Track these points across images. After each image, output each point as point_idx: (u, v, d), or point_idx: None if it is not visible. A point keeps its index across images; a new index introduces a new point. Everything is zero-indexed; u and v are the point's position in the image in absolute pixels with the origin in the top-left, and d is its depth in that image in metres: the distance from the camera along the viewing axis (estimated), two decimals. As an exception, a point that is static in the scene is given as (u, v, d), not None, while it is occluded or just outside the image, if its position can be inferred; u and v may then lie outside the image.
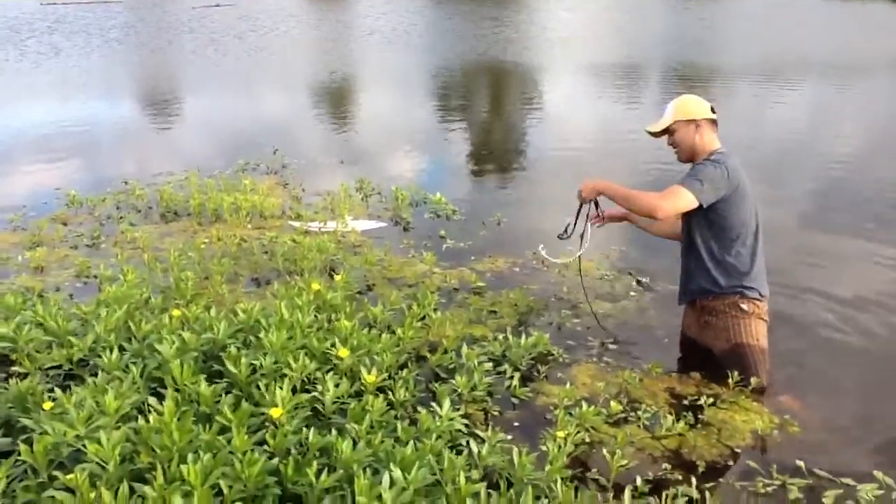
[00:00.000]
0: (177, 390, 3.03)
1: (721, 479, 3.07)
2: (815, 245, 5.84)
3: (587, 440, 3.23)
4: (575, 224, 4.17)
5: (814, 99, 13.79)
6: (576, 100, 13.93)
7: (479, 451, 2.84)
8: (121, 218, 6.40)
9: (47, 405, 2.83)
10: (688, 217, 3.78)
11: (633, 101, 13.42)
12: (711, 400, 3.56)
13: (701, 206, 3.59)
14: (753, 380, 3.62)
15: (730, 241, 3.71)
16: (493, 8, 38.90)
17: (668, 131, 3.85)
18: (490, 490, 2.59)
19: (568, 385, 3.58)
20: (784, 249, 5.49)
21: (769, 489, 3.01)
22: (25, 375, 3.28)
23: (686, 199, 3.58)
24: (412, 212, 6.56)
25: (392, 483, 2.44)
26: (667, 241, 4.31)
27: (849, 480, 3.04)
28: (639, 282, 4.93)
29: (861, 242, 5.88)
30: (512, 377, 3.68)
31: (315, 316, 3.85)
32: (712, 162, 3.64)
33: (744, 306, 3.73)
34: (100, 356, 3.31)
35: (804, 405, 3.60)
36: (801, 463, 3.12)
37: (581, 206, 4.10)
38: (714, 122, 3.80)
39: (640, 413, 3.46)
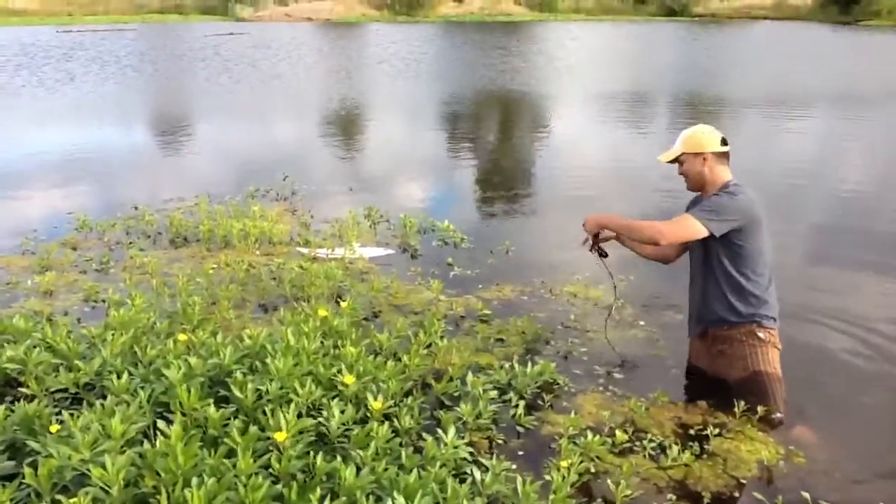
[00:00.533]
0: (183, 415, 3.04)
1: (727, 511, 3.05)
2: (827, 275, 5.83)
3: (592, 470, 3.22)
4: (609, 273, 4.27)
5: (822, 129, 13.80)
6: (584, 128, 14.00)
7: (483, 480, 2.83)
8: (130, 243, 6.44)
9: (54, 428, 2.85)
10: (705, 245, 3.79)
11: (640, 128, 13.48)
12: (717, 430, 3.54)
13: (713, 235, 3.61)
14: (760, 409, 3.61)
15: (748, 269, 3.72)
16: (501, 37, 39.26)
17: (678, 160, 3.89)
18: (493, 519, 2.59)
19: (573, 414, 3.59)
20: (796, 278, 5.51)
21: (775, 521, 2.99)
22: (32, 398, 3.30)
23: (692, 228, 3.60)
24: (420, 239, 6.58)
25: (395, 510, 2.44)
26: (677, 271, 4.31)
27: (856, 514, 3.02)
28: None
29: (872, 273, 5.86)
30: (517, 406, 3.67)
31: (321, 342, 3.86)
32: (727, 193, 3.67)
33: (760, 335, 3.73)
34: (106, 380, 3.32)
35: (817, 436, 3.58)
36: (806, 495, 3.10)
37: (592, 241, 4.13)
38: (724, 154, 3.81)
39: (645, 443, 3.44)
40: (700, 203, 3.79)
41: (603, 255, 4.21)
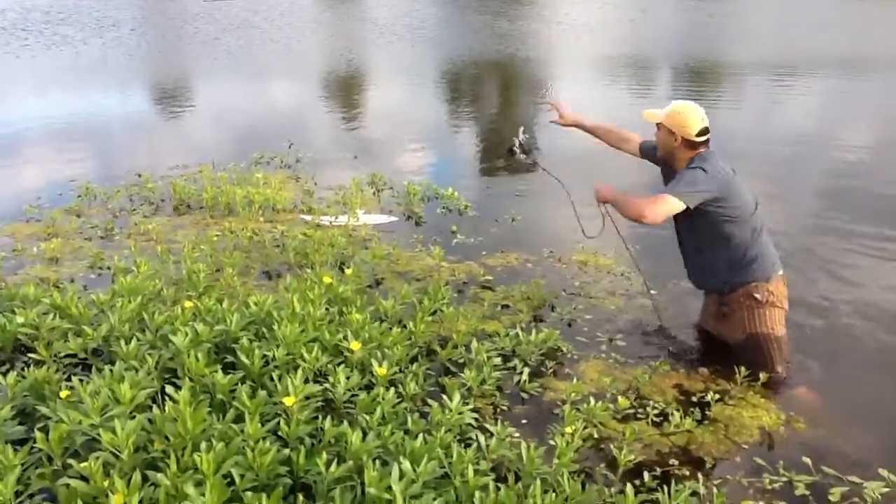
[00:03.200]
0: (191, 380, 3.07)
1: (728, 476, 3.08)
2: (830, 239, 5.81)
3: (595, 435, 3.26)
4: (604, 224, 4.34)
5: (828, 95, 13.71)
6: (588, 94, 13.89)
7: (488, 445, 2.87)
8: (134, 210, 6.45)
9: (64, 394, 2.88)
10: (691, 219, 3.82)
11: (644, 93, 13.38)
12: (719, 396, 3.58)
13: (688, 207, 3.67)
14: (762, 375, 3.65)
15: (734, 235, 3.78)
16: (504, 4, 38.84)
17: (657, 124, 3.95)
18: (498, 483, 2.62)
19: (576, 381, 3.63)
20: (798, 242, 5.54)
21: (776, 486, 3.03)
22: (41, 364, 3.33)
23: (670, 204, 3.67)
24: (424, 207, 6.57)
25: (401, 475, 2.47)
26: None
27: (855, 478, 3.06)
28: (647, 286, 4.88)
29: (875, 238, 5.86)
30: (521, 372, 3.70)
31: (327, 309, 3.89)
32: (699, 168, 3.72)
33: (757, 296, 3.78)
34: (114, 346, 3.35)
35: (819, 398, 3.63)
36: (807, 460, 3.14)
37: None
38: (696, 143, 3.81)
39: (648, 409, 3.48)
40: (675, 177, 3.83)
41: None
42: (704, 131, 3.81)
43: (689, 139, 3.80)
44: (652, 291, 4.51)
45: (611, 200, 3.98)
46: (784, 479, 3.05)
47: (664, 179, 4.08)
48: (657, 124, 3.94)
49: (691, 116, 3.81)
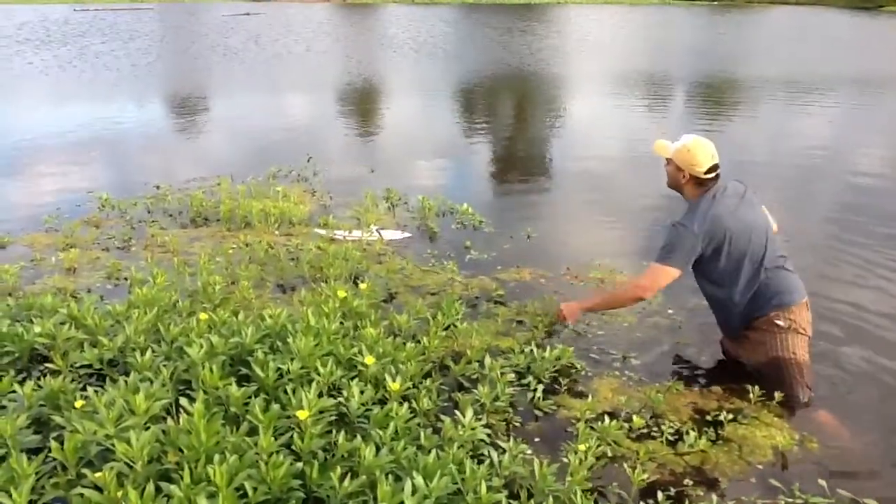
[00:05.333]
0: (205, 392, 3.08)
1: (743, 496, 3.05)
2: (853, 260, 5.77)
3: (609, 454, 3.24)
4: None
5: (841, 112, 13.67)
6: (604, 111, 13.92)
7: (501, 461, 2.86)
8: (152, 221, 6.49)
9: (79, 403, 2.89)
10: (697, 275, 3.90)
11: (659, 112, 13.35)
12: (733, 416, 3.55)
13: (683, 270, 3.77)
14: (777, 394, 3.63)
15: (745, 275, 3.77)
16: (522, 20, 38.99)
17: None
18: (511, 500, 2.61)
19: (590, 398, 3.62)
20: (814, 264, 5.49)
21: (791, 507, 3.00)
22: (57, 374, 3.35)
23: (664, 274, 3.77)
24: (439, 222, 6.57)
25: (414, 490, 2.47)
26: None
27: (872, 501, 3.02)
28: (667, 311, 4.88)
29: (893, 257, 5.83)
30: (535, 389, 3.69)
31: (341, 323, 3.89)
32: (676, 225, 3.77)
33: (780, 322, 3.75)
34: (130, 357, 3.37)
35: (837, 422, 3.58)
36: (823, 482, 3.11)
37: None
38: (704, 181, 3.79)
39: (663, 428, 3.46)
40: (664, 238, 3.86)
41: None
42: (713, 168, 3.77)
43: (696, 176, 3.78)
44: (669, 310, 4.50)
45: (589, 311, 4.11)
46: (800, 500, 3.02)
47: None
48: (666, 159, 3.92)
49: (700, 154, 3.76)
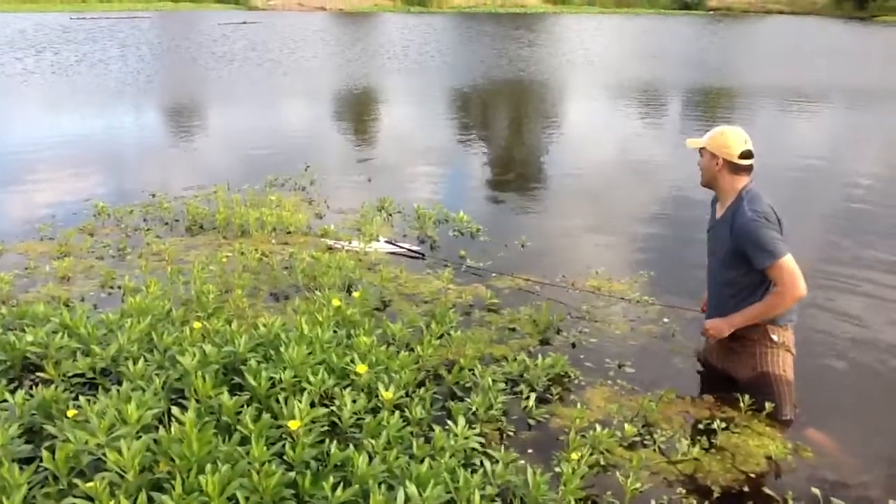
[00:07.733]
0: (197, 402, 3.07)
1: (736, 506, 3.06)
2: (841, 270, 5.78)
3: (602, 463, 3.24)
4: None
5: (836, 122, 13.73)
6: (600, 119, 13.97)
7: (494, 470, 2.86)
8: (147, 230, 6.49)
9: (71, 413, 2.88)
10: (721, 254, 3.80)
11: (655, 120, 13.42)
12: (725, 425, 3.55)
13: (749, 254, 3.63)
14: (767, 405, 3.62)
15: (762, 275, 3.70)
16: (516, 30, 39.10)
17: (700, 150, 3.90)
18: (504, 509, 2.61)
19: (583, 407, 3.61)
20: (809, 273, 5.47)
21: (785, 516, 3.00)
22: (49, 383, 3.34)
23: (790, 262, 3.56)
24: (435, 230, 6.57)
25: (407, 499, 2.47)
26: (697, 269, 4.29)
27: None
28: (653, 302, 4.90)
29: (887, 269, 5.84)
30: (528, 398, 3.69)
31: (334, 331, 3.89)
32: (759, 219, 3.61)
33: (774, 337, 3.73)
34: (122, 366, 3.37)
35: (828, 439, 3.57)
36: (817, 491, 3.11)
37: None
38: (742, 167, 3.74)
39: (655, 437, 3.46)
40: (756, 239, 3.62)
41: None
42: (747, 154, 3.73)
43: (730, 161, 3.73)
44: (664, 319, 4.49)
45: (744, 324, 3.77)
46: (793, 509, 3.02)
47: (711, 215, 4.01)
48: (700, 150, 3.88)
49: (733, 137, 3.75)
